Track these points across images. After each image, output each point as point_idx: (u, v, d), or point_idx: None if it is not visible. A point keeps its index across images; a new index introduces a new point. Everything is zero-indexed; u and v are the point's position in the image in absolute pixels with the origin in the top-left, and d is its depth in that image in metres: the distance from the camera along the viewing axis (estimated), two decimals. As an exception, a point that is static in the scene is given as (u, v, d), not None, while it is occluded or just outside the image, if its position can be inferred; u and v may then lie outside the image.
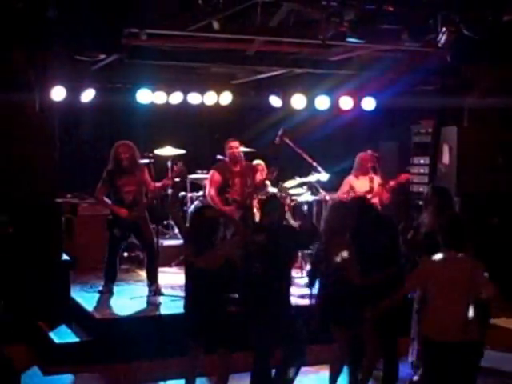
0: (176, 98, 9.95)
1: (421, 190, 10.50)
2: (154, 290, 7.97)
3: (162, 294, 7.95)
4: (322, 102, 10.18)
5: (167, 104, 9.96)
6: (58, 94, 8.46)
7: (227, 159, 8.60)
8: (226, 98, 10.11)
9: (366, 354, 5.76)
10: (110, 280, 8.11)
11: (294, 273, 8.92)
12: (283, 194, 9.24)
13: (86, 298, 7.89)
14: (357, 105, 10.23)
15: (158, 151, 9.41)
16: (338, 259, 5.48)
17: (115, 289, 8.16)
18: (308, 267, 9.23)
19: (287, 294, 5.68)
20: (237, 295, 7.33)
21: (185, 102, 10.07)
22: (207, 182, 8.64)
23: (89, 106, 9.33)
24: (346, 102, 10.21)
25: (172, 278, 8.69)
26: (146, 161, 8.20)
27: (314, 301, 6.22)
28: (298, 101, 10.13)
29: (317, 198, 9.56)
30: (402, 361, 6.35)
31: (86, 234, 9.49)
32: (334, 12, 6.32)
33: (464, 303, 4.84)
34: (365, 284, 5.44)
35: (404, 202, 10.37)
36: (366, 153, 9.02)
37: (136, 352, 6.77)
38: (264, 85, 10.22)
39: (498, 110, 9.38)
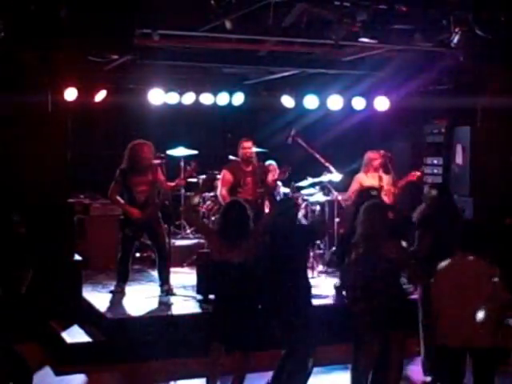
0: (188, 98, 9.97)
1: (434, 190, 10.45)
2: (166, 290, 7.98)
3: (174, 294, 7.96)
4: (335, 102, 10.16)
5: (180, 104, 9.98)
6: (71, 94, 8.49)
7: (239, 159, 8.60)
8: (238, 99, 10.12)
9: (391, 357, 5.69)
10: (123, 280, 8.12)
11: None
12: (295, 195, 9.24)
13: (97, 298, 7.91)
14: (369, 105, 10.20)
15: (171, 151, 9.43)
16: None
17: (127, 289, 8.17)
18: (320, 267, 9.24)
19: (302, 295, 5.66)
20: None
21: (197, 103, 10.09)
22: (219, 182, 8.65)
23: (101, 106, 9.36)
24: (359, 102, 10.19)
25: (184, 278, 8.70)
26: (157, 161, 8.21)
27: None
28: (311, 101, 10.13)
29: (329, 198, 9.54)
30: (413, 361, 6.33)
31: (97, 233, 9.52)
32: (346, 12, 6.31)
33: (474, 308, 4.79)
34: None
35: (417, 199, 10.32)
36: (374, 151, 9.00)
37: (148, 352, 6.78)
38: (276, 85, 10.21)
39: (511, 109, 9.31)
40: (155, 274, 8.97)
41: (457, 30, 6.49)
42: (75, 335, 7.31)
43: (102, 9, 6.39)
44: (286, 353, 5.61)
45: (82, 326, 7.52)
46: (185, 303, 7.75)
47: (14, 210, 6.02)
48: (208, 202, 9.80)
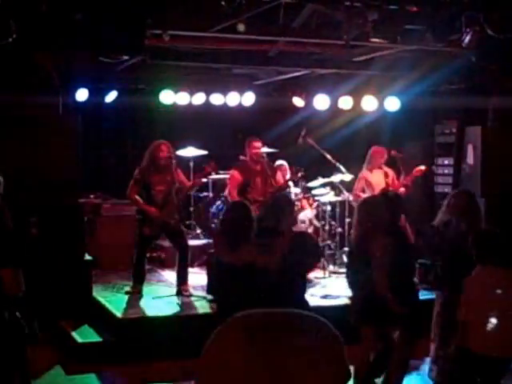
0: (199, 98, 9.99)
1: (445, 190, 10.41)
2: (184, 289, 7.99)
3: (191, 295, 7.96)
4: (345, 103, 10.15)
5: (190, 105, 10.00)
6: (82, 95, 8.53)
7: (248, 159, 8.59)
8: (248, 99, 10.13)
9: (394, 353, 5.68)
10: (139, 281, 8.13)
11: (317, 274, 8.94)
12: (306, 195, 9.24)
13: (108, 298, 7.94)
14: (380, 105, 10.19)
15: (181, 152, 9.44)
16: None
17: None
18: (331, 267, 9.23)
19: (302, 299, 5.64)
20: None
21: (207, 103, 10.11)
22: (228, 182, 8.65)
23: (112, 107, 9.39)
24: (370, 103, 10.17)
25: (194, 279, 8.71)
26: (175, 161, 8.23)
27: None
28: (321, 101, 10.12)
29: (340, 198, 9.54)
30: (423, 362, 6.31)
31: (108, 234, 9.55)
32: (357, 12, 6.29)
33: (501, 317, 4.76)
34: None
35: (426, 193, 10.34)
36: (378, 146, 8.99)
37: (158, 352, 6.79)
38: (287, 85, 10.21)
39: (523, 109, 9.29)
40: (165, 273, 9.02)
41: (468, 29, 6.45)
42: (86, 335, 7.34)
43: (112, 9, 6.40)
44: None
45: (92, 326, 7.55)
46: (195, 303, 7.76)
47: (29, 211, 6.06)
48: (218, 202, 9.81)
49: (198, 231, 10.25)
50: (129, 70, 8.56)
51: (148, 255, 9.43)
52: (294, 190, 9.39)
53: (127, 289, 8.18)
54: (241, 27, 6.44)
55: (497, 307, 4.80)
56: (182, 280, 8.09)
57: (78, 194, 8.42)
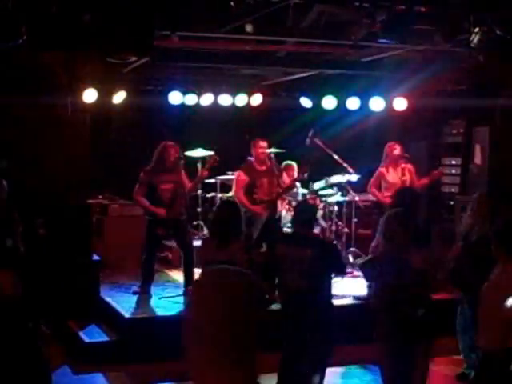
0: (207, 99, 9.99)
1: (452, 190, 10.42)
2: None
3: None
4: (353, 103, 10.15)
5: (198, 105, 10.00)
6: (90, 96, 8.55)
7: (253, 159, 8.60)
8: (256, 100, 10.14)
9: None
10: (148, 281, 8.15)
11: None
12: (313, 195, 9.24)
13: (115, 298, 7.96)
14: (388, 105, 10.18)
15: (189, 152, 9.45)
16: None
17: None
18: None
19: (327, 301, 5.65)
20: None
21: (216, 104, 10.11)
22: (233, 183, 8.66)
23: (120, 107, 9.41)
24: (377, 103, 10.17)
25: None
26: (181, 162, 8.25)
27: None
28: (329, 102, 10.12)
29: (347, 198, 9.54)
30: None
31: (115, 234, 9.57)
32: (365, 13, 6.29)
33: None
34: None
35: (436, 198, 10.33)
36: (393, 142, 8.99)
37: (165, 352, 6.79)
38: (295, 86, 10.21)
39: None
40: (172, 274, 9.02)
41: (476, 30, 6.44)
42: (93, 335, 7.36)
43: (121, 10, 6.41)
44: (299, 354, 5.56)
45: (99, 326, 7.57)
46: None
47: (36, 212, 6.08)
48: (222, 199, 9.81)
49: (206, 231, 10.25)
50: (137, 70, 8.57)
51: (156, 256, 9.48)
52: (301, 191, 9.40)
53: (135, 289, 8.19)
54: (249, 28, 6.45)
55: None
56: (189, 280, 8.09)
57: (86, 194, 8.45)
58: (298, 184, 9.19)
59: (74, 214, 7.94)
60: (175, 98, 9.68)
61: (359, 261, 8.86)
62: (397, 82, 9.72)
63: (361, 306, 7.79)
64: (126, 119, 10.41)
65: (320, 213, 9.42)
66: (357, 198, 9.50)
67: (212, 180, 9.91)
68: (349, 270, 9.10)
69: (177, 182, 7.99)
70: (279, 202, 8.84)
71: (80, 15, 6.14)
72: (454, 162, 10.43)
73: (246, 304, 4.22)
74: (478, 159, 9.80)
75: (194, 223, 10.29)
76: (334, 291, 8.02)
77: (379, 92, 10.08)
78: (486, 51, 6.99)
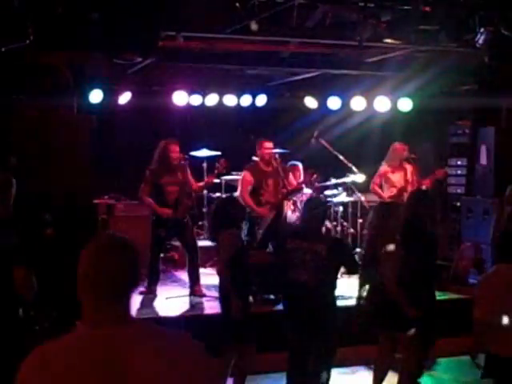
0: (212, 100, 10.01)
1: (458, 191, 10.40)
2: (197, 290, 8.01)
3: (203, 296, 7.99)
4: (358, 103, 10.15)
5: (203, 106, 10.02)
6: (96, 96, 8.57)
7: (258, 159, 8.60)
8: (261, 100, 10.15)
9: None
10: (154, 281, 8.16)
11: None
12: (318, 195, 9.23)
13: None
14: (393, 106, 10.18)
15: (194, 153, 9.47)
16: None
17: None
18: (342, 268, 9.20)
19: (332, 301, 5.67)
20: (272, 296, 7.40)
21: (221, 104, 10.12)
22: (239, 183, 8.66)
23: (126, 108, 9.43)
24: (382, 103, 10.17)
25: (207, 279, 8.73)
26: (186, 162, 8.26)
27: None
28: (334, 102, 10.12)
29: (352, 199, 9.54)
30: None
31: (121, 234, 9.53)
32: (370, 13, 6.29)
33: None
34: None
35: (442, 197, 10.31)
36: (399, 143, 8.96)
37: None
38: (299, 86, 10.22)
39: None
40: (178, 274, 9.02)
41: (482, 29, 6.44)
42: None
43: (126, 11, 6.44)
44: (306, 352, 5.57)
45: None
46: (207, 303, 7.78)
47: (44, 211, 6.08)
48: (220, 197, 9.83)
49: (211, 232, 10.27)
50: (142, 71, 8.59)
51: (162, 256, 9.48)
52: (306, 191, 9.39)
53: (141, 289, 8.20)
54: (254, 26, 6.46)
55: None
56: (195, 280, 8.11)
57: (92, 194, 8.46)
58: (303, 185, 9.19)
59: (80, 214, 7.95)
60: (180, 98, 9.69)
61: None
62: (402, 82, 9.71)
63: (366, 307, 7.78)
64: (132, 120, 10.43)
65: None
66: (362, 199, 9.50)
67: (217, 180, 9.92)
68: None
69: (182, 182, 7.99)
70: (285, 203, 8.84)
71: (86, 16, 6.17)
72: (459, 163, 10.41)
73: None
74: (483, 160, 9.78)
75: (199, 223, 10.31)
76: (341, 292, 8.11)
77: (384, 92, 10.07)
78: (491, 51, 7.00)
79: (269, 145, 8.53)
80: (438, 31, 6.73)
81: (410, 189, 8.57)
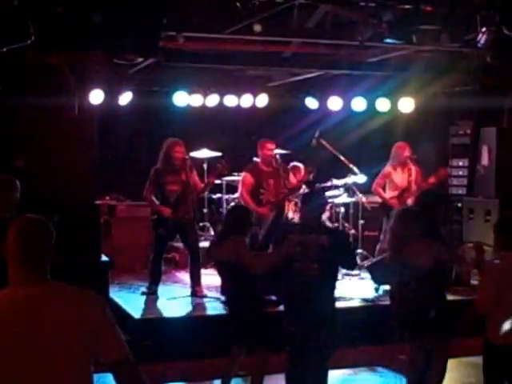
0: (212, 100, 9.99)
1: (460, 192, 10.38)
2: (198, 290, 8.00)
3: (205, 297, 7.99)
4: (359, 104, 10.13)
5: (204, 106, 10.00)
6: (97, 97, 8.56)
7: (259, 160, 8.59)
8: (262, 101, 10.13)
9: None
10: (155, 282, 8.15)
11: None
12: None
13: (124, 298, 7.96)
14: (394, 106, 10.16)
15: (195, 153, 9.45)
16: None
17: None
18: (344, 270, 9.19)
19: (333, 295, 5.65)
20: (273, 297, 7.38)
21: (221, 105, 10.10)
22: (239, 184, 8.65)
23: (126, 108, 9.42)
24: (384, 104, 10.15)
25: (208, 280, 8.72)
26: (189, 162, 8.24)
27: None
28: (335, 102, 10.10)
29: (353, 199, 9.52)
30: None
31: (123, 235, 9.58)
32: (371, 13, 6.28)
33: None
34: None
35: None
36: (402, 142, 8.95)
37: (173, 352, 6.80)
38: (300, 87, 10.20)
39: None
40: (180, 275, 9.02)
41: (484, 29, 6.42)
42: (101, 335, 7.34)
43: (127, 11, 6.43)
44: (305, 352, 5.55)
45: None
46: (209, 304, 7.78)
47: (45, 212, 6.02)
48: (232, 204, 9.81)
49: (212, 233, 10.26)
50: (143, 71, 8.58)
51: (163, 256, 9.47)
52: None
53: (143, 289, 8.20)
54: (257, 27, 6.45)
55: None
56: (196, 281, 8.10)
57: (93, 195, 8.46)
58: (303, 185, 9.17)
59: (82, 215, 7.95)
60: (181, 98, 9.68)
61: (367, 263, 8.85)
62: (403, 82, 9.70)
63: (368, 308, 7.78)
64: (132, 120, 10.42)
65: (326, 214, 9.41)
66: (363, 199, 9.48)
67: (218, 181, 9.91)
68: (356, 271, 9.11)
69: (185, 182, 7.98)
70: (286, 203, 8.84)
71: (87, 16, 6.16)
72: (461, 164, 10.41)
73: None
74: (485, 160, 9.78)
75: (201, 224, 10.29)
76: (342, 293, 8.11)
77: (385, 93, 10.06)
78: (493, 51, 6.98)
79: (271, 146, 8.53)
80: (439, 31, 6.70)
81: (414, 190, 8.58)
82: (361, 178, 9.29)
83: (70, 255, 7.76)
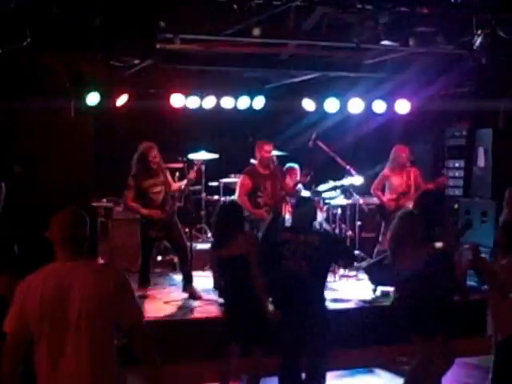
0: (209, 102, 9.98)
1: (456, 193, 10.39)
2: (191, 291, 8.00)
3: (199, 298, 7.98)
4: (356, 106, 10.14)
5: (200, 108, 10.00)
6: (93, 98, 8.56)
7: (257, 162, 8.59)
8: (259, 102, 10.13)
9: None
10: (144, 284, 8.13)
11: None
12: (316, 198, 9.22)
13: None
14: (390, 108, 10.17)
15: (192, 155, 9.45)
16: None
17: (149, 292, 8.19)
18: (341, 271, 9.20)
19: (323, 295, 5.66)
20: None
21: (218, 107, 10.10)
22: (237, 186, 8.65)
23: (123, 110, 9.41)
24: (380, 106, 10.16)
25: (206, 282, 8.72)
26: (180, 165, 8.26)
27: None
28: (332, 104, 10.11)
29: (350, 201, 9.53)
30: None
31: (120, 237, 9.57)
32: (368, 15, 6.30)
33: None
34: None
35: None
36: (401, 145, 8.96)
37: (169, 355, 6.76)
38: (297, 88, 10.21)
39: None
40: (177, 277, 9.00)
41: (479, 32, 6.46)
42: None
43: (123, 13, 6.43)
44: (298, 353, 5.53)
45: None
46: (206, 307, 7.76)
47: (43, 215, 6.00)
48: (220, 203, 9.81)
49: (209, 235, 10.25)
50: (140, 73, 8.58)
51: (160, 259, 9.47)
52: (304, 193, 9.38)
53: (139, 293, 8.19)
54: (256, 31, 6.46)
55: None
56: (187, 281, 8.10)
57: (90, 197, 8.45)
58: (301, 187, 9.18)
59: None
60: (177, 100, 9.68)
61: (364, 264, 8.86)
62: (399, 84, 9.72)
63: (365, 310, 7.78)
64: (129, 122, 10.40)
65: (323, 216, 9.41)
66: (360, 201, 9.49)
67: (215, 183, 9.91)
68: (353, 273, 9.12)
69: (165, 183, 8.07)
70: (283, 206, 8.84)
71: (83, 18, 6.16)
72: (457, 165, 10.42)
73: None
74: (481, 161, 9.78)
75: (198, 226, 10.29)
76: (339, 295, 8.12)
77: (382, 94, 10.07)
78: (488, 53, 7.00)
79: (268, 148, 8.52)
80: (435, 33, 6.73)
81: (412, 193, 8.59)
82: (358, 180, 9.29)
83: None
